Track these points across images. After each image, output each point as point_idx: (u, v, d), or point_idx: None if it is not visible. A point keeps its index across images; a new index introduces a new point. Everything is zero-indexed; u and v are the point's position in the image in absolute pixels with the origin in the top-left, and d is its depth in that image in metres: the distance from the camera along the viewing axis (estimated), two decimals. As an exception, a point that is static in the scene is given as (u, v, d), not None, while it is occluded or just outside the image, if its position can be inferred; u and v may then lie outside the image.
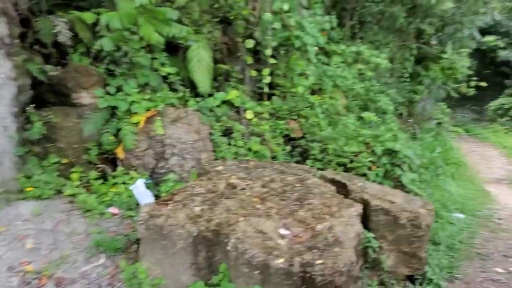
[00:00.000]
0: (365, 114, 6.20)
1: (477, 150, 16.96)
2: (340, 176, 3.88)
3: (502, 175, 14.14)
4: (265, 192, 3.09)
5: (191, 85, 5.20)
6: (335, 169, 5.48)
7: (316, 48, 6.17)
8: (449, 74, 10.71)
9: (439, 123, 12.05)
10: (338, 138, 5.80)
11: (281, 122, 5.93)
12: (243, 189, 3.11)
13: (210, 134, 4.82)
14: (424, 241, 3.36)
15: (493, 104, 27.39)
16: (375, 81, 7.81)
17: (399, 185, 5.49)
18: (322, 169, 5.35)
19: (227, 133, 5.24)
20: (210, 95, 5.32)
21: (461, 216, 7.40)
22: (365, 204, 3.31)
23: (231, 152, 4.94)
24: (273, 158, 5.42)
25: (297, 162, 5.71)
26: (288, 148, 5.77)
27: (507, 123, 25.66)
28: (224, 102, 5.47)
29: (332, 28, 7.77)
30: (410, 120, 11.11)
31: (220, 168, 3.67)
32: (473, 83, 11.07)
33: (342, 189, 3.59)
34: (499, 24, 27.60)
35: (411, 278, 3.45)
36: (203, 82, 4.98)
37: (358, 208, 3.01)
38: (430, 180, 6.05)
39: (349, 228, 2.60)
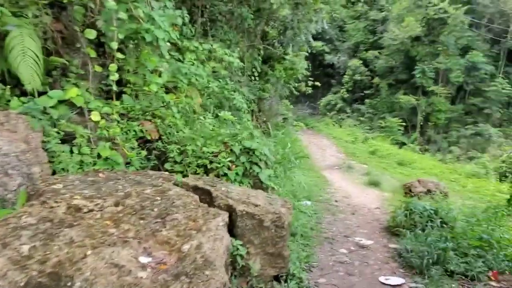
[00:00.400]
0: (222, 114, 6.13)
1: (314, 141, 19.33)
2: (203, 182, 3.64)
3: (334, 162, 16.47)
4: (119, 211, 2.60)
5: (15, 81, 4.16)
6: (195, 172, 5.23)
7: (168, 44, 5.76)
8: (291, 74, 11.76)
9: (285, 119, 13.16)
10: (196, 139, 5.56)
11: (135, 123, 5.33)
12: (91, 211, 2.55)
13: (44, 142, 3.93)
14: (286, 239, 3.41)
15: (323, 100, 31.84)
16: (229, 80, 7.88)
17: (257, 182, 5.60)
18: (183, 174, 5.03)
19: (68, 139, 4.38)
20: (43, 93, 4.35)
21: (309, 203, 8.15)
22: (231, 210, 3.16)
23: (75, 162, 4.14)
24: (128, 164, 4.82)
25: (154, 166, 5.24)
26: (144, 152, 5.23)
27: (334, 116, 30.20)
28: (62, 102, 4.55)
29: (184, 24, 7.46)
30: (262, 117, 11.70)
31: (59, 185, 2.96)
32: (310, 83, 12.47)
33: (206, 196, 3.35)
34: (325, 32, 32.01)
35: (277, 278, 3.48)
36: (30, 77, 4.01)
37: (224, 217, 2.82)
38: (283, 174, 6.42)
39: (218, 244, 2.38)
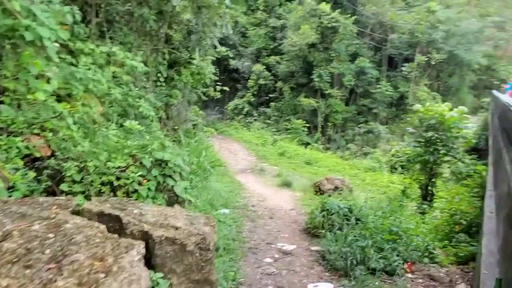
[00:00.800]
0: (128, 123, 5.46)
1: (225, 146, 19.17)
2: (110, 205, 3.05)
3: (246, 165, 16.51)
4: (-6, 260, 1.94)
5: None
6: (100, 191, 4.53)
7: (57, 45, 4.91)
8: (198, 79, 11.35)
9: (194, 125, 12.67)
10: (99, 153, 4.83)
11: (18, 138, 4.39)
12: (-51, 265, 1.85)
13: None
14: (213, 262, 3.03)
15: (231, 104, 31.97)
16: (133, 86, 7.16)
17: (173, 196, 5.10)
18: (84, 194, 4.29)
19: None
20: None
21: (227, 211, 7.84)
22: (147, 237, 2.67)
23: None
24: (11, 190, 3.91)
25: (47, 188, 4.39)
26: (32, 173, 4.33)
27: (242, 120, 30.53)
28: None
29: (75, 23, 6.56)
30: (171, 124, 11.07)
31: None
32: (218, 87, 12.23)
33: (115, 223, 2.79)
34: (228, 38, 32.24)
35: (205, 306, 3.07)
36: None
37: (140, 248, 2.34)
38: (200, 184, 6.00)
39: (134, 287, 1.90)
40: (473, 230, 5.55)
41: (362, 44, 29.20)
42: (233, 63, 31.57)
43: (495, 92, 22.96)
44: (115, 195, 4.66)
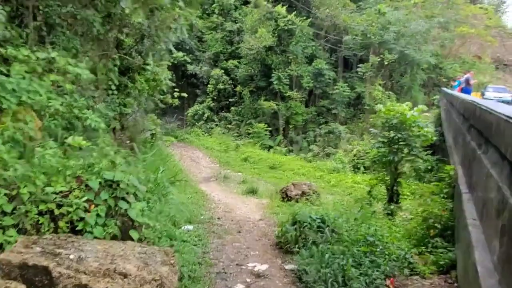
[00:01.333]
0: (71, 139, 4.72)
1: (187, 154, 18.38)
2: (40, 250, 2.40)
3: (209, 173, 15.87)
4: None
5: None
6: (38, 222, 3.81)
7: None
8: (154, 86, 10.61)
9: (152, 134, 11.87)
10: (35, 176, 4.11)
11: None
12: None
13: None
14: (176, 308, 2.47)
15: (190, 111, 31.09)
16: (78, 95, 6.37)
17: (127, 221, 4.44)
18: (18, 228, 3.56)
19: None
20: None
21: (191, 227, 7.22)
22: (87, 292, 2.06)
23: None
24: None
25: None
26: None
27: (203, 126, 29.78)
28: None
29: (6, 27, 5.73)
30: (126, 135, 10.26)
31: None
32: (176, 94, 11.54)
33: (44, 276, 2.16)
34: (184, 42, 31.36)
35: None
36: None
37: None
38: (158, 202, 5.36)
39: None
40: (447, 233, 5.36)
41: (318, 46, 29.49)
42: (190, 68, 30.73)
43: (444, 89, 23.99)
44: (56, 227, 3.95)
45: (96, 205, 4.14)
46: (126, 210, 4.33)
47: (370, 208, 8.42)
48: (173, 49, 10.85)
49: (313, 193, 10.80)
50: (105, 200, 4.20)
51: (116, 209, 4.26)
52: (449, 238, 5.33)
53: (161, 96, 11.54)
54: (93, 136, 5.92)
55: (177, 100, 11.77)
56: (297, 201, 10.46)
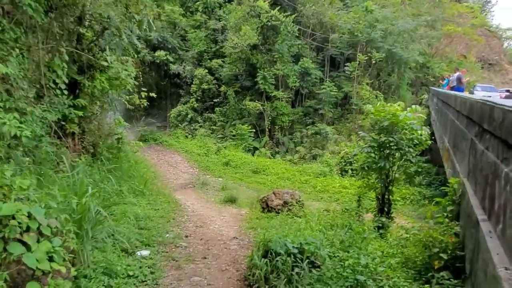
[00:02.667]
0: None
1: (164, 157, 17.06)
2: None
3: (187, 179, 14.58)
4: None
5: None
6: None
7: None
8: (118, 85, 9.29)
9: (118, 139, 10.53)
10: None
11: None
12: None
13: None
14: None
15: (173, 111, 29.66)
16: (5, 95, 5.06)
17: (23, 271, 3.16)
18: None
19: None
20: None
21: (146, 253, 5.95)
22: None
23: None
24: None
25: None
26: None
27: (186, 127, 28.39)
28: None
29: None
30: (88, 140, 8.97)
31: None
32: (144, 94, 10.24)
33: None
34: (167, 41, 29.95)
35: None
36: None
37: None
38: (85, 234, 4.08)
39: None
40: (456, 265, 4.21)
41: (304, 45, 28.37)
42: (173, 67, 29.32)
43: (434, 88, 23.09)
44: None
45: (-28, 252, 2.86)
46: (22, 255, 3.06)
47: (359, 225, 7.25)
48: (137, 43, 9.53)
49: (296, 203, 9.62)
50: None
51: (4, 255, 2.99)
52: (459, 272, 4.17)
53: (128, 96, 10.22)
54: (7, 148, 4.62)
55: (145, 100, 10.44)
56: (278, 213, 9.27)
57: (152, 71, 30.42)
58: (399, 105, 8.83)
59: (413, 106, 8.97)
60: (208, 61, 29.89)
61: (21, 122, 5.10)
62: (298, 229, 7.14)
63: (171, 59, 29.38)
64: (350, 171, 16.43)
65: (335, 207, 10.44)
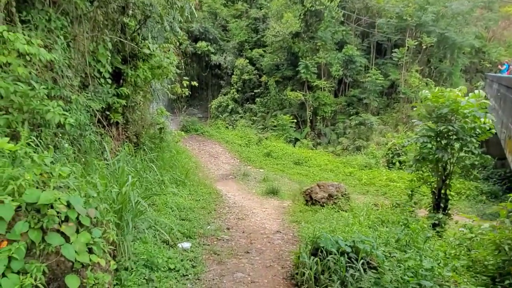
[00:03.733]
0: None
1: (205, 148, 17.07)
2: None
3: (228, 170, 14.45)
4: None
5: None
6: None
7: None
8: (160, 74, 9.22)
9: (160, 128, 10.53)
10: None
11: None
12: None
13: None
14: None
15: (214, 102, 29.81)
16: (41, 81, 5.03)
17: (62, 262, 3.01)
18: None
19: None
20: None
21: (188, 245, 5.78)
22: None
23: None
24: None
25: None
26: None
27: (227, 118, 28.40)
28: None
29: None
30: (132, 130, 9.02)
31: None
32: (185, 83, 10.10)
33: None
34: (208, 32, 29.98)
35: None
36: None
37: None
38: (126, 225, 3.91)
39: None
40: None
41: (349, 31, 27.16)
42: (214, 58, 29.36)
43: (492, 74, 21.18)
44: None
45: (10, 241, 2.74)
46: (60, 247, 2.91)
47: (414, 220, 6.63)
48: (179, 30, 9.36)
49: (342, 196, 9.10)
50: (26, 233, 2.80)
51: (43, 246, 2.84)
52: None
53: (170, 86, 10.14)
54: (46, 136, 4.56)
55: (187, 90, 10.31)
56: (322, 206, 8.81)
57: (194, 63, 30.67)
58: (460, 90, 7.98)
59: (476, 91, 8.06)
60: (249, 51, 29.58)
61: (65, 110, 5.05)
62: (346, 224, 6.67)
63: (212, 50, 29.40)
64: (398, 164, 15.49)
65: (383, 201, 9.78)
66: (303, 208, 8.90)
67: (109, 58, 7.45)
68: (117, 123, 9.30)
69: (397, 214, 7.81)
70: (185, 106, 28.52)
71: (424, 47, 23.39)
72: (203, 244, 5.90)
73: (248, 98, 29.03)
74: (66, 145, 4.84)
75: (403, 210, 8.27)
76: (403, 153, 15.92)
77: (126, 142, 9.67)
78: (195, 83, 10.59)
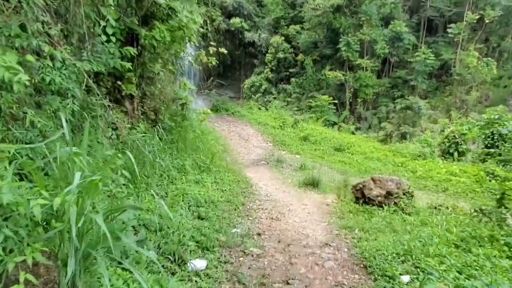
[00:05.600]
0: None
1: (236, 129, 15.31)
2: None
3: (259, 155, 12.59)
4: None
5: None
6: None
7: None
8: (180, 36, 7.39)
9: (182, 104, 8.79)
10: None
11: None
12: None
13: None
14: None
15: (247, 82, 27.87)
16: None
17: None
18: None
19: None
20: None
21: (202, 265, 3.99)
22: None
23: None
24: None
25: None
26: None
27: (260, 99, 26.42)
28: None
29: None
30: (150, 105, 7.34)
31: None
32: (212, 49, 8.20)
33: None
34: (242, 7, 27.76)
35: None
36: None
37: None
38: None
39: None
40: None
41: (398, 4, 24.03)
42: (248, 35, 27.21)
43: None
44: None
45: None
46: None
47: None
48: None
49: (404, 195, 7.00)
50: None
51: None
52: None
53: (194, 53, 8.31)
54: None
55: (214, 59, 8.44)
56: (380, 206, 6.77)
57: (227, 40, 28.67)
58: None
59: None
60: (285, 27, 27.19)
61: (20, 64, 3.31)
62: (423, 242, 4.65)
63: (246, 27, 27.25)
64: (456, 154, 12.99)
65: (454, 203, 7.57)
66: (354, 208, 6.91)
67: (113, 8, 5.65)
68: (132, 96, 7.62)
69: (485, 224, 5.67)
70: (214, 82, 26.87)
71: (487, 21, 20.04)
72: (224, 262, 4.11)
73: (283, 78, 26.83)
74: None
75: (489, 218, 6.06)
76: (462, 142, 13.35)
77: (143, 119, 8.01)
78: (223, 50, 8.68)
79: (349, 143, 13.66)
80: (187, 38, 7.70)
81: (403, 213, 6.62)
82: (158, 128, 8.04)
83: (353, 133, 18.55)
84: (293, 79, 25.54)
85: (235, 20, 26.64)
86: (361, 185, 7.28)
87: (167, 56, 8.51)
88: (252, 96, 26.10)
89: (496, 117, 11.95)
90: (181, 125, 8.76)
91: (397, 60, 23.55)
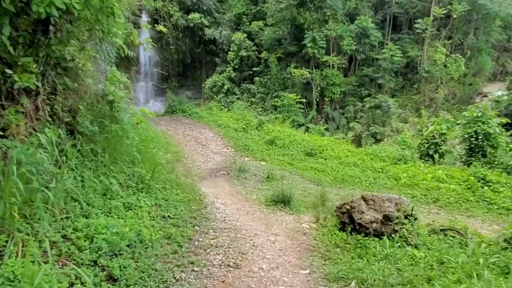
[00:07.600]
0: None
1: (192, 133, 13.09)
2: None
3: (219, 163, 10.43)
4: None
5: None
6: None
7: None
8: (105, 11, 5.17)
9: (110, 102, 6.51)
10: None
11: None
12: None
13: None
14: None
15: (208, 82, 25.62)
16: None
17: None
18: None
19: None
20: None
21: None
22: None
23: None
24: None
25: None
26: None
27: (222, 99, 24.25)
28: None
29: None
30: (64, 103, 4.98)
31: None
32: (161, 28, 5.97)
33: None
34: (201, 2, 25.45)
35: None
36: None
37: None
38: None
39: None
40: None
41: (362, 1, 22.86)
42: (208, 32, 24.98)
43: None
44: None
45: None
46: None
47: None
48: None
49: (406, 218, 5.19)
50: None
51: None
52: None
53: (120, 33, 6.09)
54: None
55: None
56: (377, 237, 4.90)
57: (186, 37, 26.30)
58: None
59: None
60: (248, 24, 25.28)
61: None
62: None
63: (206, 23, 25.03)
64: (437, 156, 11.60)
65: (465, 224, 5.89)
66: (341, 239, 5.00)
67: None
68: (33, 91, 5.25)
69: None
70: (173, 82, 24.33)
71: (454, 16, 19.20)
72: None
73: (246, 77, 24.87)
74: None
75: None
76: (441, 142, 12.00)
77: (52, 122, 5.64)
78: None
79: (321, 146, 11.89)
80: (110, 9, 5.45)
81: (406, 243, 4.81)
82: (76, 134, 5.73)
83: (323, 134, 16.91)
84: (257, 78, 23.64)
85: (194, 16, 24.36)
86: (348, 207, 5.38)
87: (85, 37, 6.19)
88: (214, 96, 23.92)
89: (479, 114, 10.63)
90: (110, 130, 6.46)
91: (364, 57, 22.34)
